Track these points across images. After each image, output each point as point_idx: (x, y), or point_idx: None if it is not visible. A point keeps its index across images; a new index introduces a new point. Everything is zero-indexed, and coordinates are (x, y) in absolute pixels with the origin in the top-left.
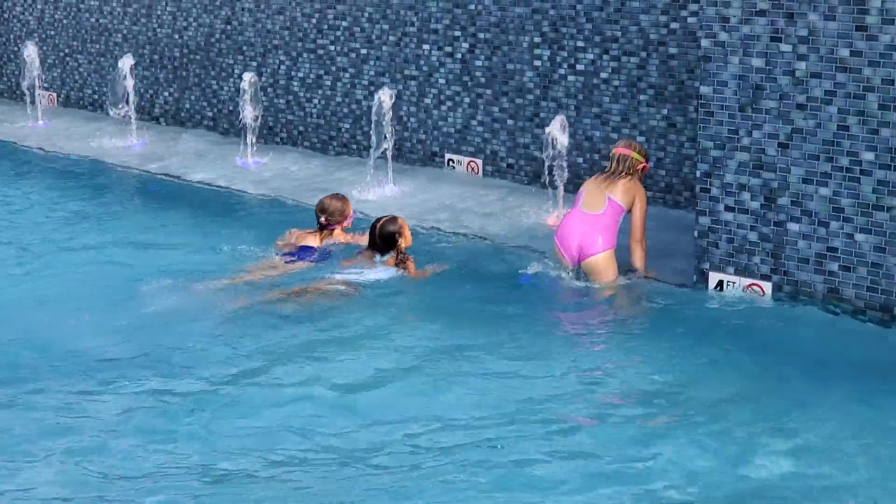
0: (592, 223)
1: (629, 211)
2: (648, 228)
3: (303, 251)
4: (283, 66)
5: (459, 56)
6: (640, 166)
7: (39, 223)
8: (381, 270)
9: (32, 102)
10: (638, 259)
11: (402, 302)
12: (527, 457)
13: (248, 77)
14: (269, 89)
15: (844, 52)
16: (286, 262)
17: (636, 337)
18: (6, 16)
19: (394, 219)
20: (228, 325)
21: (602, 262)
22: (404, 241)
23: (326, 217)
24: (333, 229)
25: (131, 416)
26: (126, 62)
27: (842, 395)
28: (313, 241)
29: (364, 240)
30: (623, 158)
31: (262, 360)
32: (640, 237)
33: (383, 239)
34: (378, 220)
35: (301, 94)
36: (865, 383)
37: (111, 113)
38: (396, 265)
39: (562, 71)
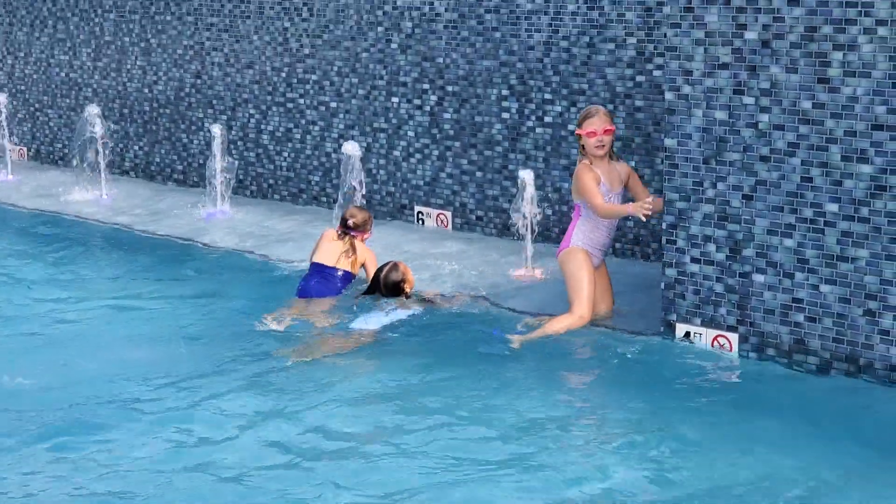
0: None
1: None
2: (616, 280)
3: (325, 278)
4: (252, 120)
5: (428, 109)
6: (579, 132)
7: (6, 278)
8: (405, 311)
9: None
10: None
11: (371, 356)
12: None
13: (217, 129)
14: (239, 142)
15: (807, 105)
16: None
17: (603, 390)
18: None
19: (395, 266)
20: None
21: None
22: (408, 286)
23: (354, 222)
24: (356, 237)
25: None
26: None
27: (814, 452)
28: (335, 257)
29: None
30: None
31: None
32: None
33: (388, 289)
34: (380, 269)
35: (271, 147)
36: (835, 437)
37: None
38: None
39: (530, 123)
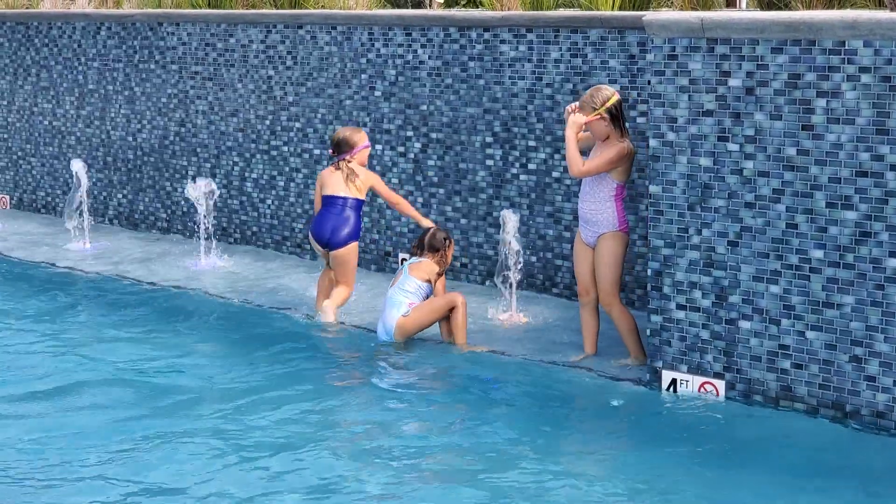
0: None
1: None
2: (601, 326)
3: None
4: (236, 168)
5: (412, 156)
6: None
7: None
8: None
9: None
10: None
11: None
12: None
13: (203, 182)
14: (223, 190)
15: (791, 151)
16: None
17: (589, 439)
18: None
19: (440, 230)
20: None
21: None
22: (449, 254)
23: (333, 149)
24: (349, 159)
25: None
26: (78, 166)
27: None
28: (341, 186)
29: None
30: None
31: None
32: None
33: (431, 247)
34: (429, 229)
35: (255, 195)
36: (825, 486)
37: (67, 225)
38: (438, 265)
39: (514, 170)
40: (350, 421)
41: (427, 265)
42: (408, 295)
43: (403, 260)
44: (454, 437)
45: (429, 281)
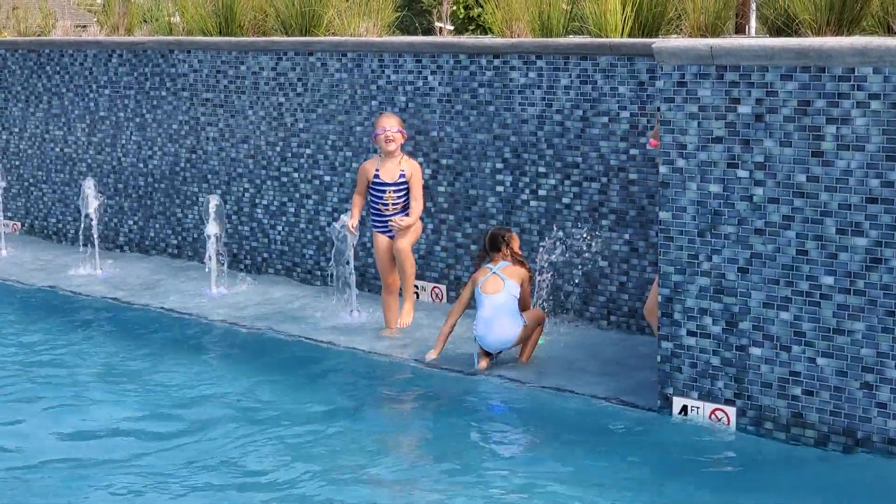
0: None
1: None
2: (608, 353)
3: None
4: (247, 194)
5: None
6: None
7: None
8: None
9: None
10: None
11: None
12: None
13: (213, 199)
14: (234, 216)
15: (801, 178)
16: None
17: (600, 465)
18: None
19: (504, 228)
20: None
21: None
22: (514, 247)
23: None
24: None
25: None
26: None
27: None
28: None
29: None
30: None
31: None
32: None
33: (492, 242)
34: (486, 232)
35: (265, 221)
36: None
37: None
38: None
39: (524, 196)
40: (377, 448)
41: (513, 269)
42: (516, 301)
43: (415, 287)
44: (453, 464)
45: (521, 284)
